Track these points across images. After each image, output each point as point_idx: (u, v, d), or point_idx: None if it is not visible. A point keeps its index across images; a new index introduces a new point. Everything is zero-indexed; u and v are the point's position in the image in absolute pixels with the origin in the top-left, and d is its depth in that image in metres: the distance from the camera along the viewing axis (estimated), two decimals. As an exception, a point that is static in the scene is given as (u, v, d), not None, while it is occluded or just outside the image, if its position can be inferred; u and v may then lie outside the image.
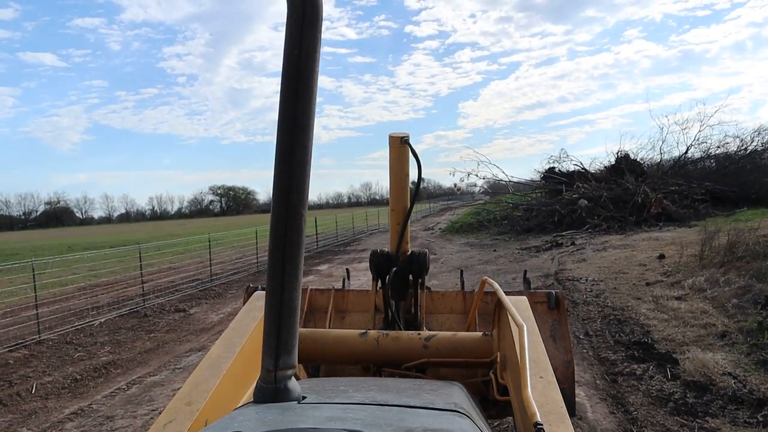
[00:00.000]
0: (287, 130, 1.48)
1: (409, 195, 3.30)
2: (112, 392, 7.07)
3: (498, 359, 2.63)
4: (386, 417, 1.36)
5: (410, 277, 3.40)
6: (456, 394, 1.74)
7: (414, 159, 3.12)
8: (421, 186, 3.34)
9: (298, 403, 1.56)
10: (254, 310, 2.76)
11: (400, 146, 3.09)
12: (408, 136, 3.07)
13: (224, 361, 2.28)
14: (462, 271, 4.64)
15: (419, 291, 3.41)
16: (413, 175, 3.29)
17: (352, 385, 1.84)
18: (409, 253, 3.36)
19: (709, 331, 7.72)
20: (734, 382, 5.85)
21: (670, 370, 6.39)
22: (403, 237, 3.27)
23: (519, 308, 2.51)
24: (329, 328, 3.86)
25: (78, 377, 7.67)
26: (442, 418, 1.40)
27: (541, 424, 1.35)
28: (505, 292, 2.68)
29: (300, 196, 1.51)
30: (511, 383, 2.32)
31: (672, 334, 7.71)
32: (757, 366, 6.30)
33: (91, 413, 6.36)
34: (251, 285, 4.09)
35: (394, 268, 3.28)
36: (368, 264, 3.41)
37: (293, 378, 1.61)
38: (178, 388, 2.08)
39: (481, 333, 2.93)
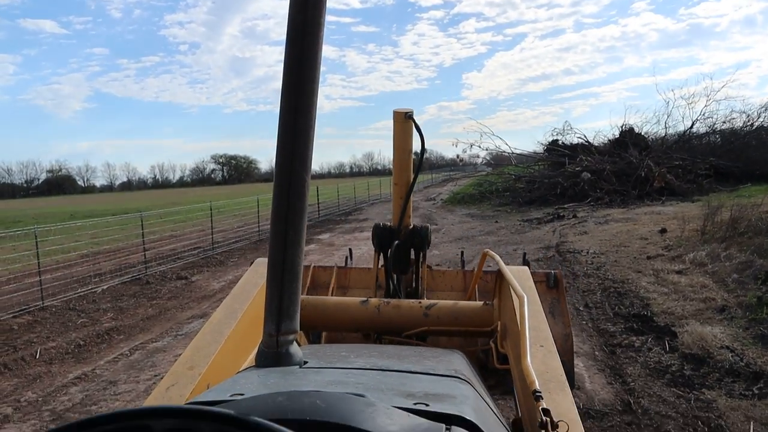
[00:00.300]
0: (291, 95, 1.46)
1: (412, 169, 3.32)
2: (114, 358, 7.15)
3: (498, 328, 2.64)
4: (387, 382, 1.36)
5: (412, 251, 3.42)
6: (456, 361, 1.75)
7: (417, 134, 3.14)
8: (424, 159, 3.37)
9: (300, 367, 1.57)
10: (256, 276, 2.77)
11: (404, 121, 3.10)
12: (412, 112, 3.08)
13: (226, 326, 2.29)
14: (462, 251, 4.64)
15: (420, 265, 3.44)
16: (416, 148, 3.30)
17: (353, 351, 1.85)
18: (411, 227, 3.38)
19: (709, 305, 7.75)
20: (731, 356, 5.90)
21: (668, 343, 6.43)
22: (405, 211, 3.30)
23: (520, 279, 2.51)
24: None
25: (81, 343, 7.75)
26: (443, 383, 1.41)
27: (540, 392, 1.36)
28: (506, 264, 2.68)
29: (303, 162, 1.50)
30: (511, 352, 2.34)
31: (671, 308, 7.75)
32: (755, 340, 6.34)
33: (94, 378, 6.45)
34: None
35: (396, 242, 3.30)
36: (370, 235, 3.43)
37: (295, 343, 1.62)
38: (180, 354, 2.10)
39: (482, 302, 2.95)
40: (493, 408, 1.50)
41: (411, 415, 1.03)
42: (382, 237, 3.36)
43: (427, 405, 1.14)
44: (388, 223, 3.43)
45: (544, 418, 1.24)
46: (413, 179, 3.31)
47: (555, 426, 1.24)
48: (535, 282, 3.69)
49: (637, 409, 4.95)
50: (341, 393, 1.08)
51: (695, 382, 5.44)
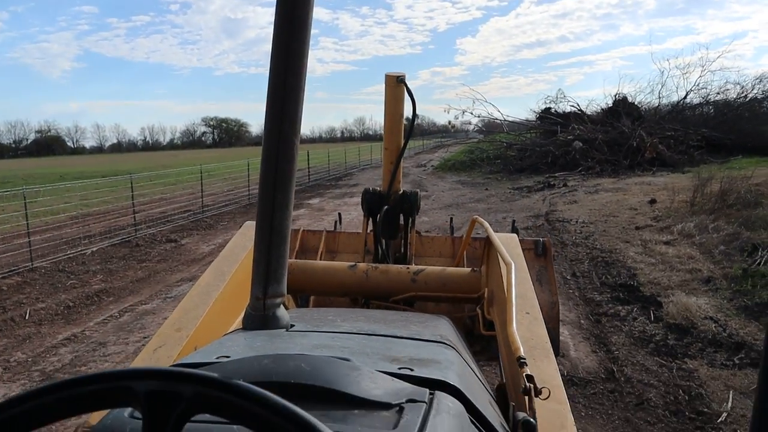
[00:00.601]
0: (281, 55, 1.44)
1: (403, 134, 3.29)
2: (104, 319, 7.17)
3: (485, 295, 2.66)
4: (373, 346, 1.37)
5: (401, 216, 3.42)
6: (442, 327, 1.77)
7: (409, 99, 3.11)
8: (415, 124, 3.34)
9: (287, 330, 1.58)
10: (244, 239, 2.75)
11: (396, 86, 3.07)
12: (404, 76, 3.04)
13: (214, 289, 2.29)
14: (452, 217, 4.62)
15: (409, 231, 3.44)
16: (408, 113, 3.28)
17: (340, 315, 1.86)
18: (401, 192, 3.37)
19: (695, 276, 7.85)
20: (715, 326, 6.00)
21: (653, 313, 6.52)
22: (395, 176, 3.29)
23: (509, 247, 2.52)
24: None
25: (71, 304, 7.76)
26: (428, 348, 1.42)
27: (524, 359, 1.37)
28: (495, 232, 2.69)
29: (292, 124, 1.48)
30: (497, 319, 2.36)
31: (658, 278, 7.84)
32: (739, 311, 6.44)
33: (84, 339, 6.47)
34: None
35: (386, 207, 3.30)
36: (360, 200, 3.43)
37: (282, 306, 1.63)
38: (169, 316, 2.11)
39: (470, 269, 2.96)
40: (477, 374, 1.52)
41: (395, 379, 1.04)
42: (371, 202, 3.35)
43: (411, 370, 1.15)
44: (378, 188, 3.42)
45: (527, 384, 1.26)
46: (404, 144, 3.29)
47: (538, 392, 1.25)
48: (523, 249, 3.70)
49: (620, 377, 5.05)
50: (326, 356, 1.09)
51: (678, 351, 5.54)
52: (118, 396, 0.59)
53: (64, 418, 0.61)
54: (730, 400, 4.55)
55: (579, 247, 10.09)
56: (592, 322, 6.48)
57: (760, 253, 8.09)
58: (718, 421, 4.27)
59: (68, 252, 10.75)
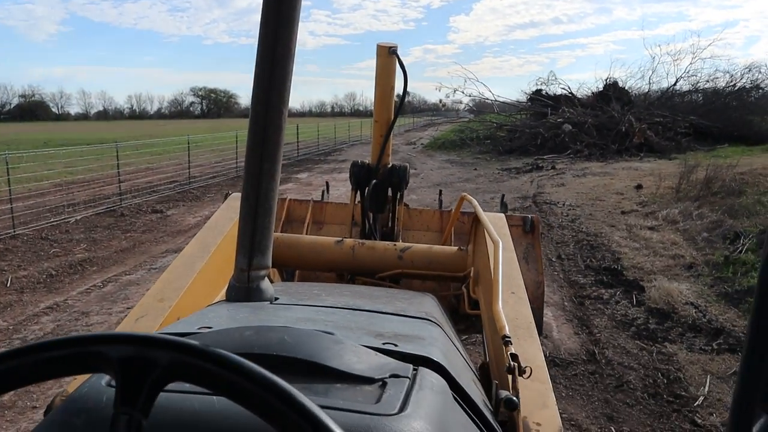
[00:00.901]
0: (270, 23, 1.40)
1: (394, 107, 3.24)
2: (87, 289, 7.12)
3: (471, 274, 2.66)
4: (357, 321, 1.37)
5: (389, 190, 3.40)
6: (427, 304, 1.77)
7: (401, 71, 3.06)
8: (406, 99, 3.32)
9: (270, 303, 1.57)
10: (230, 211, 2.71)
11: (388, 57, 3.02)
12: (396, 47, 2.99)
13: (198, 260, 2.26)
14: (441, 191, 4.60)
15: (397, 205, 3.41)
16: (399, 88, 3.23)
17: (325, 290, 1.85)
18: (389, 166, 3.34)
19: (678, 261, 7.93)
20: (695, 312, 6.08)
21: (635, 297, 6.60)
22: (384, 149, 3.26)
23: (496, 226, 2.51)
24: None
25: (53, 273, 7.69)
26: (413, 324, 1.41)
27: (509, 337, 1.38)
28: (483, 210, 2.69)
29: (281, 93, 1.45)
30: (482, 298, 2.36)
31: (641, 263, 7.92)
32: (719, 298, 6.53)
33: (66, 308, 6.43)
34: (230, 192, 4.03)
35: (374, 181, 3.27)
36: (348, 175, 3.39)
37: (266, 279, 1.62)
38: (152, 286, 2.08)
39: (457, 247, 2.96)
40: (461, 351, 1.52)
41: (379, 354, 1.03)
42: (359, 175, 3.32)
43: (395, 345, 1.14)
44: (367, 161, 3.38)
45: (512, 362, 1.26)
46: (394, 118, 3.25)
47: (522, 371, 1.25)
48: (511, 226, 3.70)
49: (601, 360, 5.11)
50: (310, 330, 1.08)
51: (658, 335, 5.61)
52: (90, 361, 0.58)
53: (34, 382, 0.59)
54: (707, 384, 4.63)
55: (565, 229, 10.15)
56: (575, 304, 6.54)
57: (741, 241, 8.19)
58: (695, 404, 4.35)
59: (51, 220, 10.64)
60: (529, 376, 1.27)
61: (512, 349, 1.32)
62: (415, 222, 3.88)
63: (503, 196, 4.47)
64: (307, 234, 3.86)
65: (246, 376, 0.53)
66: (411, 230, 3.84)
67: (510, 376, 1.27)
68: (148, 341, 0.56)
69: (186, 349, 0.55)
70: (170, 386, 0.57)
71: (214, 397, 0.78)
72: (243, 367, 0.53)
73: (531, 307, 2.06)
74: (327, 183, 4.57)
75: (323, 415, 0.51)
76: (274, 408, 0.52)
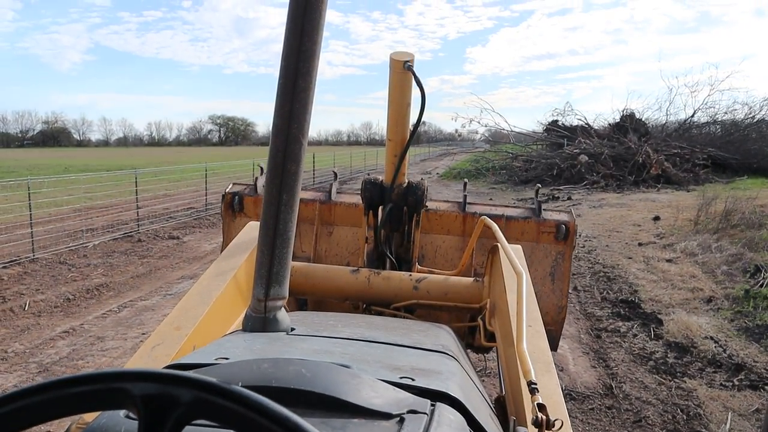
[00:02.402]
0: (292, 55, 1.43)
1: (409, 125, 2.92)
2: (103, 314, 7.16)
3: (487, 306, 2.63)
4: (374, 353, 1.36)
5: (405, 212, 3.12)
6: (444, 336, 1.75)
7: (417, 87, 2.69)
8: (422, 131, 3.08)
9: (287, 334, 1.56)
10: (247, 240, 2.69)
11: (402, 72, 2.66)
12: (412, 60, 2.62)
13: (214, 288, 2.26)
14: (466, 182, 4.09)
15: (414, 228, 3.13)
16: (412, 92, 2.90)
17: (341, 321, 1.84)
18: (405, 184, 3.04)
19: (696, 295, 7.81)
20: (715, 346, 5.96)
21: (653, 330, 6.50)
22: (399, 169, 2.96)
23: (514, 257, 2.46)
24: (315, 243, 3.79)
25: (71, 297, 7.75)
26: (430, 358, 1.40)
27: (535, 384, 1.32)
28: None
29: (301, 124, 1.47)
30: (498, 330, 2.34)
31: (659, 295, 7.81)
32: (739, 332, 6.41)
33: (82, 333, 6.46)
34: (227, 191, 3.90)
35: (390, 205, 3.03)
36: (360, 191, 3.12)
37: (283, 309, 1.61)
38: (168, 314, 2.08)
39: (473, 279, 2.94)
40: (478, 385, 1.50)
41: (396, 388, 1.03)
42: (372, 194, 3.03)
43: (413, 380, 1.13)
44: (380, 178, 3.08)
45: (539, 414, 1.18)
46: (410, 137, 2.92)
47: (551, 425, 1.17)
48: (542, 233, 3.58)
49: (618, 394, 5.02)
50: (327, 363, 1.08)
51: (677, 370, 5.50)
52: (113, 398, 0.58)
53: (56, 418, 0.59)
54: (729, 421, 4.52)
55: (581, 261, 10.06)
56: (592, 337, 6.45)
57: (762, 275, 8.06)
58: (716, 442, 4.24)
59: (70, 244, 10.76)
60: (560, 429, 1.18)
61: (540, 399, 1.25)
62: (434, 225, 3.67)
63: (538, 188, 4.04)
64: (316, 239, 3.78)
65: (269, 417, 0.53)
66: (430, 233, 3.64)
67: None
68: (172, 379, 0.56)
69: (210, 388, 0.55)
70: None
71: None
72: (266, 408, 0.53)
73: (548, 330, 2.01)
74: (335, 173, 4.15)
75: None
76: None
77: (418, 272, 3.07)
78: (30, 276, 8.73)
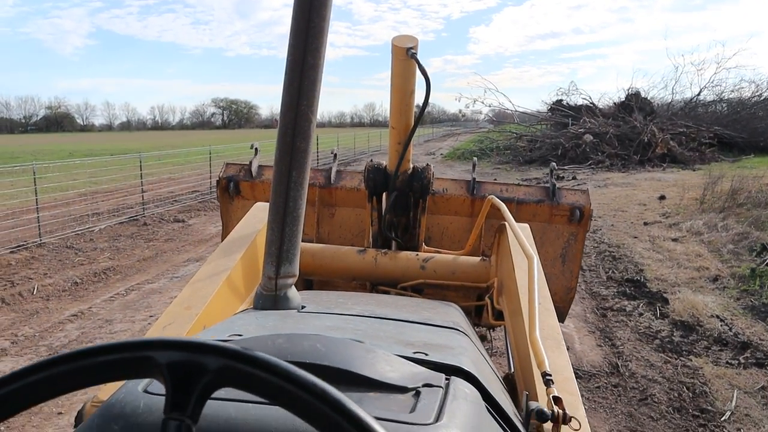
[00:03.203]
0: (301, 31, 1.41)
1: (413, 113, 2.82)
2: (111, 297, 7.21)
3: (495, 284, 2.62)
4: (386, 330, 1.37)
5: (411, 198, 3.07)
6: (453, 313, 1.76)
7: (421, 74, 2.58)
8: (426, 111, 3.00)
9: (298, 311, 1.57)
10: (255, 220, 2.66)
11: (406, 59, 2.53)
12: (416, 46, 2.47)
13: (223, 269, 2.25)
14: (475, 162, 3.94)
15: (420, 214, 3.07)
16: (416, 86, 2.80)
17: (351, 299, 1.85)
18: (410, 170, 2.97)
19: (702, 274, 7.81)
20: (721, 325, 5.97)
21: (659, 309, 6.50)
22: (404, 156, 2.88)
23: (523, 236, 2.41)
24: (318, 225, 3.75)
25: (78, 281, 7.80)
26: (441, 334, 1.41)
27: (550, 376, 1.27)
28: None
29: (310, 101, 1.46)
30: (507, 308, 2.34)
31: (665, 275, 7.81)
32: (745, 311, 6.41)
33: (90, 316, 6.51)
34: (221, 176, 3.83)
35: (395, 193, 2.97)
36: (363, 177, 3.05)
37: (293, 287, 1.62)
38: (176, 296, 2.08)
39: (480, 258, 2.93)
40: (488, 361, 1.51)
41: (411, 363, 1.03)
42: (376, 180, 2.97)
43: (426, 354, 1.13)
44: (384, 163, 3.00)
45: (555, 408, 1.13)
46: (414, 125, 2.82)
47: (567, 419, 1.12)
48: (555, 215, 3.53)
49: (624, 372, 5.04)
50: (341, 338, 1.08)
51: (683, 348, 5.52)
52: (140, 366, 0.58)
53: (83, 387, 0.60)
54: (734, 399, 4.54)
55: (587, 240, 10.03)
56: (597, 316, 6.47)
57: (769, 253, 8.03)
58: (722, 419, 4.26)
59: (76, 229, 10.80)
60: (578, 430, 1.13)
61: (555, 391, 1.20)
62: (441, 207, 3.60)
63: (552, 168, 3.79)
64: (318, 220, 3.72)
65: (296, 383, 0.53)
66: (437, 214, 3.58)
67: (552, 425, 1.17)
68: (199, 347, 0.56)
69: (233, 355, 0.55)
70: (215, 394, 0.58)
71: (249, 405, 0.79)
72: (292, 374, 0.54)
73: (557, 306, 2.00)
74: (334, 154, 3.98)
75: (373, 422, 0.51)
76: (324, 415, 0.52)
77: (424, 252, 3.06)
78: (37, 260, 8.78)
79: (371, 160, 3.06)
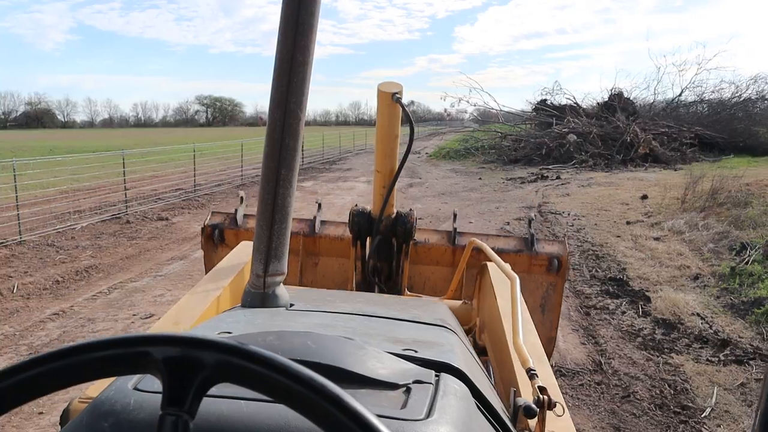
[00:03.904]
0: (290, 28, 1.41)
1: (397, 156, 2.87)
2: (93, 295, 7.13)
3: (477, 324, 2.63)
4: (375, 327, 1.37)
5: (394, 243, 3.10)
6: (441, 311, 1.76)
7: (406, 118, 2.71)
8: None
9: (286, 309, 1.56)
10: (242, 254, 2.63)
11: (391, 104, 2.63)
12: (400, 92, 2.61)
13: (212, 290, 2.22)
14: (455, 214, 3.94)
15: (403, 259, 3.08)
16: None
17: (339, 297, 1.85)
18: (394, 215, 3.01)
19: (683, 272, 7.91)
20: (701, 323, 6.05)
21: (641, 307, 6.58)
22: (388, 201, 2.92)
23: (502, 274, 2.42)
24: (301, 273, 3.74)
25: (59, 279, 7.71)
26: (430, 331, 1.41)
27: (534, 370, 1.33)
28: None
29: (299, 99, 1.46)
30: (489, 341, 2.34)
31: (647, 273, 7.90)
32: (725, 309, 6.50)
33: (72, 315, 6.44)
34: (206, 224, 3.82)
35: (378, 237, 3.00)
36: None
37: (281, 285, 1.61)
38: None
39: (462, 301, 2.93)
40: (476, 359, 1.52)
41: (401, 360, 1.03)
42: (360, 224, 3.01)
43: (415, 351, 1.14)
44: (368, 208, 3.06)
45: (540, 395, 1.19)
46: (398, 168, 2.84)
47: (552, 404, 1.18)
48: (534, 265, 3.54)
49: (607, 370, 5.09)
50: (332, 335, 1.08)
51: (665, 346, 5.59)
52: (137, 362, 0.57)
53: (77, 383, 0.59)
54: (715, 395, 4.60)
55: (570, 239, 10.13)
56: (581, 314, 6.52)
57: (748, 252, 8.16)
58: (703, 416, 4.32)
59: (57, 226, 10.68)
60: (562, 414, 1.19)
61: (540, 382, 1.25)
62: (423, 257, 3.63)
63: (530, 220, 3.80)
64: (301, 269, 3.71)
65: (294, 378, 0.53)
66: (419, 264, 3.59)
67: (539, 410, 1.20)
68: (197, 342, 0.56)
69: (230, 350, 0.55)
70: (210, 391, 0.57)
71: (242, 402, 0.79)
72: (290, 369, 0.53)
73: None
74: (319, 204, 3.95)
75: (371, 416, 0.51)
76: (323, 410, 0.52)
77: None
78: (17, 258, 8.66)
79: (356, 205, 3.08)
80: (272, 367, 0.54)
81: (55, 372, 0.57)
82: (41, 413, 4.27)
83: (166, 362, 0.56)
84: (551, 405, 1.17)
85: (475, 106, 31.09)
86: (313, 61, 1.47)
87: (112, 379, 0.88)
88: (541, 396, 1.18)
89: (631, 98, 29.18)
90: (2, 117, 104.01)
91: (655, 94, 29.82)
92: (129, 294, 7.19)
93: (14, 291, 7.16)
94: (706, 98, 29.25)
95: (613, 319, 6.33)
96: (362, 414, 0.50)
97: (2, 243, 9.24)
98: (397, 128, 2.77)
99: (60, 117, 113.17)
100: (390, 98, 2.58)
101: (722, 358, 5.29)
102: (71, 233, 10.42)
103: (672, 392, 4.69)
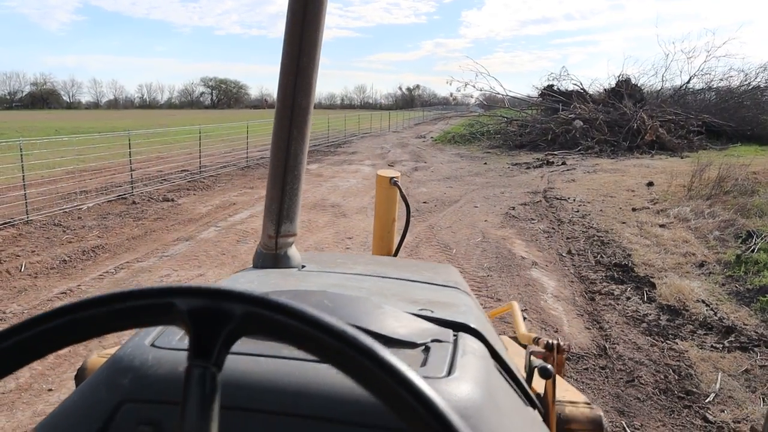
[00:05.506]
0: (298, 10, 1.41)
1: (395, 240, 2.87)
2: (100, 275, 7.17)
3: None
4: (390, 288, 1.36)
5: None
6: (453, 274, 1.76)
7: (402, 201, 2.75)
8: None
9: (298, 270, 1.56)
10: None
11: (389, 187, 2.72)
12: (398, 177, 2.70)
13: None
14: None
15: None
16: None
17: (350, 259, 1.83)
18: None
19: (689, 259, 7.90)
20: (706, 309, 6.06)
21: (646, 293, 6.58)
22: None
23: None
24: None
25: (66, 258, 7.75)
26: (444, 292, 1.41)
27: (540, 337, 1.35)
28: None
29: (310, 61, 1.45)
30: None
31: (652, 260, 7.89)
32: (730, 296, 6.51)
33: (79, 293, 6.48)
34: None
35: None
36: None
37: (293, 246, 1.61)
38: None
39: None
40: (490, 321, 1.52)
41: (418, 319, 1.03)
42: None
43: (432, 311, 1.14)
44: None
45: (551, 340, 1.23)
46: (396, 250, 2.83)
47: (563, 349, 1.22)
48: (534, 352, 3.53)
49: (611, 354, 5.11)
50: (348, 294, 1.08)
51: (669, 332, 5.60)
52: (161, 313, 0.56)
53: (103, 333, 0.58)
54: (719, 381, 4.62)
55: (575, 225, 10.12)
56: (586, 299, 6.53)
57: (754, 240, 8.14)
58: (707, 401, 4.34)
59: (64, 206, 10.71)
60: (567, 353, 1.27)
61: (547, 340, 1.28)
62: None
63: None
64: None
65: (323, 329, 0.53)
66: None
67: (551, 353, 1.23)
68: (224, 294, 0.55)
69: (258, 302, 0.55)
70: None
71: (261, 359, 0.79)
72: (319, 320, 0.53)
73: None
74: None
75: (406, 368, 0.50)
76: (356, 361, 0.51)
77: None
78: (25, 238, 8.71)
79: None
80: (302, 319, 0.53)
81: (81, 322, 0.56)
82: (50, 390, 4.32)
83: (192, 314, 0.55)
84: (561, 349, 1.19)
85: (481, 90, 31.10)
86: (324, 18, 1.46)
87: (129, 334, 0.88)
88: (551, 341, 1.21)
89: (638, 85, 29.00)
90: (8, 97, 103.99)
91: (663, 81, 29.60)
92: (135, 274, 7.22)
93: (22, 270, 7.21)
94: (715, 86, 29.03)
95: (617, 304, 6.34)
96: (396, 366, 0.50)
97: (10, 222, 9.28)
98: (393, 212, 2.82)
99: (65, 98, 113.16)
100: (388, 182, 2.67)
101: (727, 344, 5.30)
102: (78, 213, 10.46)
103: (676, 377, 4.70)
